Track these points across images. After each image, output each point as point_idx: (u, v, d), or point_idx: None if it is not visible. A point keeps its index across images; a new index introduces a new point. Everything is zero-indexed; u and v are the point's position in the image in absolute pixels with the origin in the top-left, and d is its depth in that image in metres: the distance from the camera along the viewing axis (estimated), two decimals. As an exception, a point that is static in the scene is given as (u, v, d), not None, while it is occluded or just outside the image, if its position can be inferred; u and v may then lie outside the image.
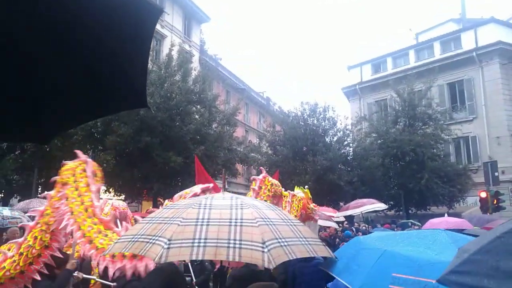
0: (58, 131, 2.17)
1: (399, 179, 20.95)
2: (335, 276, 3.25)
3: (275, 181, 6.69)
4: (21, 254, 3.81)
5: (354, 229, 13.76)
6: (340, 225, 13.75)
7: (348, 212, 13.72)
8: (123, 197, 17.03)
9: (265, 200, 6.05)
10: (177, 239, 2.07)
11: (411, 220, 17.38)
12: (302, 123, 21.62)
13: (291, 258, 2.15)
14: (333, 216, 13.32)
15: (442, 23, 31.23)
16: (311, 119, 21.80)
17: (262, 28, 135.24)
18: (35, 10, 1.23)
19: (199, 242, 2.05)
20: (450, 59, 26.31)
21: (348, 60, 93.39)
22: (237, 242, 2.05)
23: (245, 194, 6.37)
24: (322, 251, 2.47)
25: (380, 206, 13.84)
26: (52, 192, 4.28)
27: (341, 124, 22.10)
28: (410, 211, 21.57)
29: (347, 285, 2.95)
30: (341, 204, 18.50)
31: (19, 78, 1.55)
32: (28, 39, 1.37)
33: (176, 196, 5.37)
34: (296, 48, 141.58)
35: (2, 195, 15.36)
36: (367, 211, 13.84)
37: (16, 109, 1.72)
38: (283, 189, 7.51)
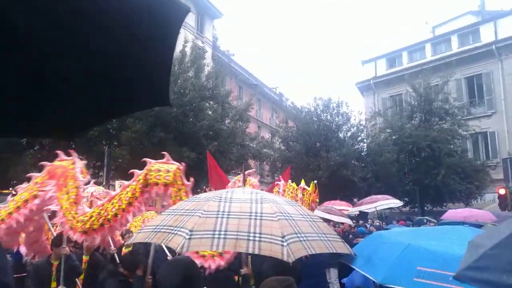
0: (84, 128, 2.21)
1: (414, 175, 20.66)
2: (357, 269, 3.24)
3: (294, 185, 6.79)
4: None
5: (367, 226, 13.62)
6: (354, 221, 13.62)
7: (362, 208, 13.58)
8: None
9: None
10: (198, 230, 2.13)
11: (426, 217, 17.09)
12: (315, 119, 21.46)
13: (310, 253, 2.18)
14: (347, 210, 13.18)
15: (460, 16, 30.50)
16: (324, 114, 21.63)
17: (275, 23, 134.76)
18: (57, 9, 1.23)
19: (219, 234, 2.10)
20: (468, 52, 25.72)
21: (362, 55, 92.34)
22: (257, 235, 2.09)
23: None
24: (341, 247, 2.45)
25: (395, 202, 13.64)
26: (38, 175, 5.04)
27: (355, 119, 21.93)
28: (425, 208, 21.27)
29: (370, 277, 2.96)
30: (355, 200, 18.35)
31: (45, 75, 1.55)
32: (52, 38, 1.37)
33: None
34: (309, 43, 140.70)
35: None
36: (381, 207, 13.67)
37: (43, 106, 1.73)
38: (294, 183, 7.51)
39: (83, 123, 2.10)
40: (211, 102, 17.34)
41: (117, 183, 7.10)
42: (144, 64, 1.54)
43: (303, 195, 6.69)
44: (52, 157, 5.32)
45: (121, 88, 1.69)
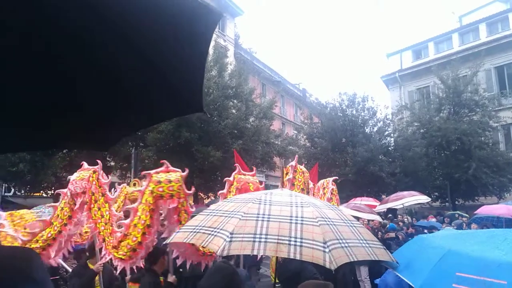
0: (118, 137, 2.24)
1: (444, 169, 20.06)
2: (397, 273, 3.16)
3: (304, 168, 6.52)
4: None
5: (396, 221, 13.35)
6: (383, 217, 13.37)
7: (388, 205, 13.30)
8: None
9: (302, 188, 5.92)
10: (239, 233, 2.11)
11: (458, 212, 16.60)
12: (341, 114, 21.18)
13: (352, 260, 2.10)
14: (374, 206, 12.97)
15: (488, 4, 29.31)
16: (349, 109, 21.34)
17: (296, 18, 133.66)
18: (89, 17, 1.21)
19: (260, 238, 2.08)
20: (497, 41, 24.70)
21: (387, 48, 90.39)
22: (298, 240, 2.05)
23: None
24: (383, 254, 2.39)
25: (422, 198, 13.23)
26: (65, 190, 4.77)
27: (381, 114, 21.52)
28: (456, 202, 20.65)
29: (409, 282, 2.88)
30: (383, 196, 18.01)
31: (79, 88, 1.58)
32: (83, 47, 1.37)
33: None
34: (331, 38, 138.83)
35: (53, 192, 16.23)
36: (408, 203, 13.34)
37: (78, 118, 1.77)
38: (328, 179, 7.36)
39: (118, 133, 2.14)
40: (235, 101, 17.39)
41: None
42: (178, 72, 1.54)
43: (294, 176, 6.05)
44: (80, 160, 5.28)
45: (157, 97, 1.70)
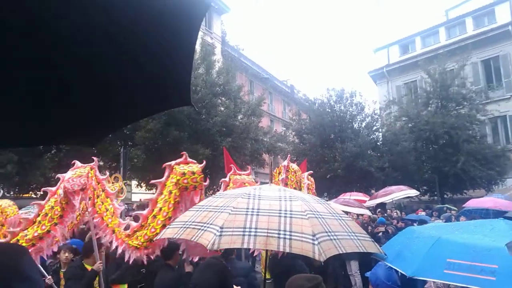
0: (105, 134, 2.22)
1: (432, 163, 20.28)
2: (387, 264, 3.17)
3: (296, 167, 6.50)
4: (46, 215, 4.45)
5: (386, 215, 13.45)
6: (373, 212, 13.46)
7: (377, 200, 13.40)
8: (154, 190, 17.36)
9: (294, 188, 5.90)
10: (228, 227, 2.13)
11: (446, 205, 16.80)
12: (329, 110, 21.26)
13: (341, 252, 2.14)
14: (364, 201, 13.04)
15: (474, -3, 29.69)
16: (337, 105, 21.42)
17: (282, 15, 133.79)
18: (72, 11, 1.19)
19: (250, 231, 2.11)
20: (484, 34, 24.97)
21: (374, 43, 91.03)
22: (287, 233, 2.08)
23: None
24: (371, 247, 2.41)
25: (410, 192, 13.36)
26: (54, 189, 4.64)
27: (369, 109, 21.66)
28: (445, 196, 20.89)
29: (401, 271, 2.92)
30: (372, 191, 18.13)
31: (65, 84, 1.56)
32: (73, 43, 1.35)
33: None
34: (318, 34, 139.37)
35: (42, 193, 15.98)
36: (396, 198, 13.46)
37: (64, 115, 1.76)
38: (303, 174, 7.33)
39: (106, 129, 2.13)
40: (223, 98, 17.33)
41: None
42: (165, 64, 1.51)
43: (286, 176, 6.10)
44: (69, 160, 5.22)
45: (143, 91, 1.68)
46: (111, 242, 4.54)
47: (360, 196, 14.18)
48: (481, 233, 2.83)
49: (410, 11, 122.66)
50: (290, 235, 2.06)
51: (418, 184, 19.57)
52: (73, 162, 4.90)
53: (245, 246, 2.09)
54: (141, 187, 17.94)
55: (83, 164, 4.80)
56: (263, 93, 21.42)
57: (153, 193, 15.94)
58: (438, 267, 2.71)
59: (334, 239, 2.13)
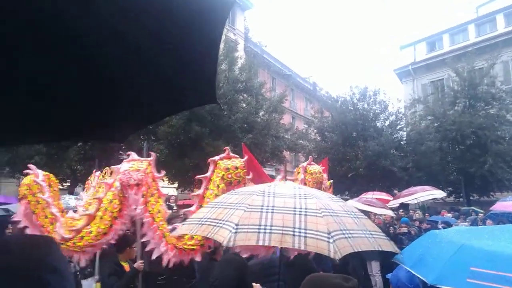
0: (133, 129, 2.30)
1: (459, 164, 19.71)
2: (409, 269, 3.08)
3: (317, 168, 6.36)
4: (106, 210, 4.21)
5: (408, 216, 13.18)
6: (396, 212, 13.21)
7: (400, 200, 13.12)
8: (176, 185, 17.62)
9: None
10: (243, 224, 2.14)
11: (472, 207, 16.32)
12: (352, 108, 20.99)
13: (356, 251, 2.13)
14: (388, 201, 12.79)
15: (506, -7, 28.60)
16: (361, 103, 21.13)
17: (307, 11, 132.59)
18: (101, 8, 1.21)
19: (265, 229, 2.11)
20: (515, 32, 24.04)
21: (401, 40, 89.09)
22: (302, 230, 2.08)
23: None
24: (387, 245, 2.39)
25: (435, 193, 12.98)
26: (109, 181, 4.39)
27: (393, 107, 21.25)
28: (471, 198, 20.30)
29: (421, 277, 2.81)
30: (395, 191, 17.80)
31: (95, 81, 1.59)
32: (96, 40, 1.36)
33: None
34: (343, 30, 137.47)
35: (69, 184, 16.48)
36: (421, 198, 13.13)
37: (95, 112, 1.80)
38: (325, 175, 7.19)
39: (134, 125, 2.17)
40: (245, 95, 17.37)
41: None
42: (191, 63, 1.52)
43: (304, 176, 5.85)
44: (94, 153, 5.09)
45: (170, 89, 1.69)
46: (156, 246, 4.24)
47: (383, 195, 13.92)
48: (508, 239, 2.71)
49: (438, 7, 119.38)
50: (305, 233, 2.06)
51: (442, 185, 19.10)
52: (128, 153, 4.67)
53: (260, 243, 2.09)
54: (163, 181, 18.21)
55: (139, 158, 4.52)
56: (285, 90, 21.31)
57: (175, 187, 16.10)
58: (461, 275, 2.60)
59: (349, 237, 2.13)
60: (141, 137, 15.61)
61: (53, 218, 4.46)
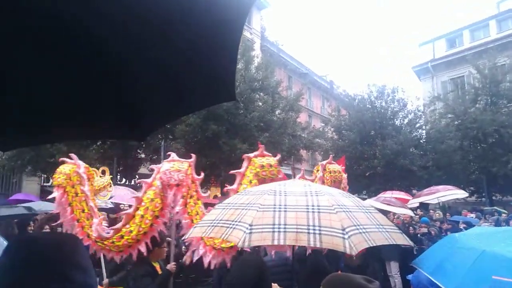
0: (154, 128, 2.35)
1: (480, 163, 19.25)
2: (428, 276, 2.99)
3: (337, 167, 6.28)
4: (147, 209, 4.16)
5: (428, 216, 12.92)
6: (415, 211, 12.96)
7: (421, 199, 12.84)
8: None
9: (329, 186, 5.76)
10: (257, 224, 2.12)
11: (495, 207, 15.89)
12: (369, 106, 20.74)
13: (371, 245, 2.11)
14: (407, 200, 12.54)
15: (529, -13, 27.75)
16: (378, 101, 20.86)
17: (323, 9, 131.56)
18: (123, 6, 1.22)
19: (279, 228, 2.09)
20: (539, 27, 23.33)
21: (420, 37, 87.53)
22: (317, 228, 2.07)
23: (311, 181, 6.10)
24: (400, 238, 2.32)
25: (458, 193, 12.63)
26: (149, 180, 4.33)
27: (412, 105, 20.89)
28: (494, 198, 19.79)
29: (441, 286, 2.71)
30: (414, 191, 17.47)
31: (116, 80, 1.61)
32: (116, 38, 1.38)
33: None
34: (361, 28, 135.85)
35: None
36: (443, 198, 12.83)
37: (115, 110, 1.83)
38: (345, 175, 7.09)
39: (155, 123, 2.19)
40: (261, 94, 17.35)
41: None
42: (211, 61, 1.52)
43: (323, 175, 5.72)
44: (113, 152, 5.01)
45: (191, 87, 1.71)
46: (196, 247, 4.21)
47: (401, 194, 13.67)
48: (531, 245, 2.61)
49: (458, 4, 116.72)
50: (320, 230, 2.05)
51: (464, 184, 18.67)
52: (168, 153, 4.63)
53: (275, 242, 2.07)
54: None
55: (180, 158, 4.47)
56: (301, 88, 21.24)
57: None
58: (482, 285, 2.52)
59: (363, 232, 2.11)
60: (159, 136, 15.79)
61: (90, 213, 4.43)
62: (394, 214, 9.80)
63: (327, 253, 5.08)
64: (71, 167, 4.55)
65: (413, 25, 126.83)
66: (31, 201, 11.20)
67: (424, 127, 21.02)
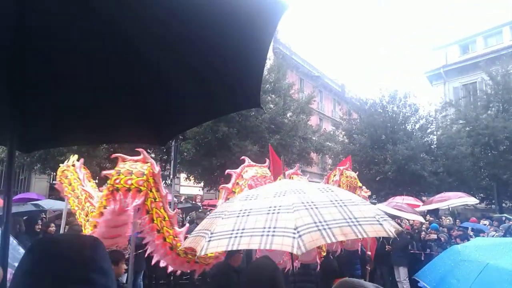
0: (175, 133, 2.35)
1: (491, 170, 19.05)
2: None
3: (353, 174, 6.35)
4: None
5: (437, 222, 12.86)
6: (425, 217, 12.90)
7: (432, 206, 12.80)
8: (202, 184, 17.87)
9: None
10: (218, 231, 2.14)
11: (505, 215, 15.72)
12: (381, 110, 20.68)
13: (329, 242, 2.02)
14: (417, 206, 12.51)
15: (545, -6, 27.45)
16: (390, 106, 20.79)
17: (336, 13, 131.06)
18: (151, 15, 1.24)
19: (237, 233, 2.09)
20: (554, 34, 23.01)
21: (432, 43, 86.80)
22: (271, 230, 2.04)
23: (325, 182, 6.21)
24: (377, 230, 2.16)
25: (468, 200, 12.57)
26: (229, 186, 4.34)
27: (423, 110, 20.78)
28: (504, 205, 19.59)
29: None
30: (424, 198, 17.38)
31: (139, 87, 1.65)
32: (145, 47, 1.41)
33: None
34: (373, 32, 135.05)
35: (97, 181, 16.97)
36: (453, 205, 12.78)
37: (141, 118, 1.86)
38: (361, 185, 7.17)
39: (176, 128, 2.21)
40: (273, 96, 17.38)
41: None
42: (238, 66, 1.54)
43: (340, 179, 5.77)
44: (122, 152, 4.59)
45: (216, 95, 1.72)
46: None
47: (411, 200, 13.65)
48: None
49: (471, 11, 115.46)
50: (274, 232, 2.02)
51: (474, 191, 18.52)
52: (242, 158, 4.63)
53: (229, 248, 2.07)
54: (190, 180, 18.49)
55: (260, 164, 4.49)
56: (313, 91, 21.26)
57: (201, 187, 16.18)
58: None
59: (324, 228, 2.03)
60: (170, 136, 15.92)
61: (170, 221, 4.00)
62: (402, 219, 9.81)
63: (341, 258, 5.14)
64: (145, 166, 3.69)
65: (426, 31, 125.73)
66: (37, 199, 11.27)
67: (435, 132, 20.89)
